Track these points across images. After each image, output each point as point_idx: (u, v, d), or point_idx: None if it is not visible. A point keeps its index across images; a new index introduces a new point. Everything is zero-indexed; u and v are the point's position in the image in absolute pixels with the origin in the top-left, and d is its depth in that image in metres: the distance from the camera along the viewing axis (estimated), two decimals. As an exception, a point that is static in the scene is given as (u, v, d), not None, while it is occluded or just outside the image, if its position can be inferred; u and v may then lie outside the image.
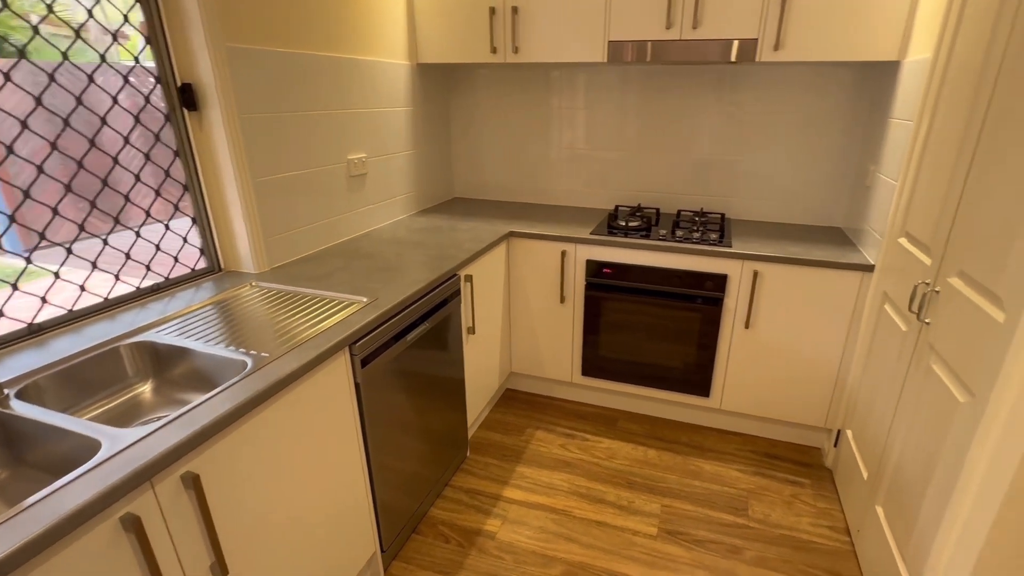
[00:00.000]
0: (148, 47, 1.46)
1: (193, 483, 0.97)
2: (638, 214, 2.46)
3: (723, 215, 2.44)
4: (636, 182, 2.64)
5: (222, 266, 1.77)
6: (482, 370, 2.26)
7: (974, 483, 1.19)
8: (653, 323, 2.26)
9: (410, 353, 1.65)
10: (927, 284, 1.50)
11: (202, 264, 1.73)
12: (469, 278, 1.99)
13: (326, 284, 1.66)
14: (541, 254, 2.31)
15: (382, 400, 1.54)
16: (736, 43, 2.00)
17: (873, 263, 1.91)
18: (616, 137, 2.60)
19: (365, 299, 1.55)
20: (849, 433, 2.01)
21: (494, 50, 2.28)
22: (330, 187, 2.01)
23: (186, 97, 1.51)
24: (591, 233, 2.26)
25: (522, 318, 2.46)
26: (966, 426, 1.24)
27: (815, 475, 2.16)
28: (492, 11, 2.23)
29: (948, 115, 1.49)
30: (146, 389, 1.33)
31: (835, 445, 2.15)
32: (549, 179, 2.78)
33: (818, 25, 1.91)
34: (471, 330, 2.05)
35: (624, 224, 2.32)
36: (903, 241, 1.70)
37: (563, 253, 2.26)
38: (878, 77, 2.15)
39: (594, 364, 2.43)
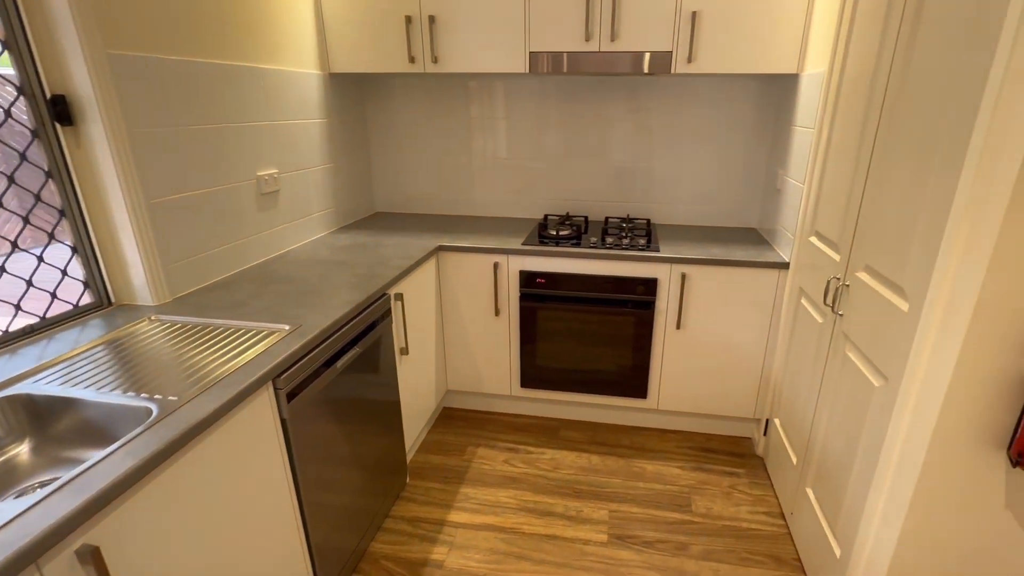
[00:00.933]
0: (6, 52, 1.25)
1: (92, 557, 0.82)
2: (567, 222, 2.48)
3: (648, 220, 2.52)
4: (563, 190, 2.66)
5: (113, 299, 1.56)
6: (418, 391, 2.17)
7: (893, 460, 1.28)
8: (589, 330, 2.27)
9: (340, 381, 1.54)
10: (838, 279, 1.60)
11: (88, 299, 1.51)
12: (400, 297, 1.89)
13: (241, 313, 1.51)
14: (473, 267, 2.26)
15: (312, 434, 1.41)
16: (652, 55, 2.07)
17: (788, 261, 2.03)
18: (540, 146, 2.61)
19: (287, 327, 1.42)
20: (777, 421, 2.12)
21: (412, 59, 2.21)
22: (239, 206, 1.85)
23: (59, 111, 1.31)
24: (523, 243, 2.24)
25: (457, 334, 2.39)
26: (882, 408, 1.33)
27: (749, 464, 2.25)
28: (408, 20, 2.16)
29: (845, 123, 1.61)
30: (22, 451, 1.13)
31: (764, 434, 2.26)
32: (474, 189, 2.74)
33: (726, 41, 2.02)
34: (404, 351, 1.95)
35: (555, 233, 2.32)
36: (814, 240, 1.82)
37: (496, 265, 2.22)
38: (781, 88, 2.30)
39: (532, 375, 2.40)
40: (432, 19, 2.15)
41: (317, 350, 1.40)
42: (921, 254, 1.19)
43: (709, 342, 2.21)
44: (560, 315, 2.27)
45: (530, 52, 2.14)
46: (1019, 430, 1.10)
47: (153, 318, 1.48)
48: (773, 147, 2.36)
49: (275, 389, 1.26)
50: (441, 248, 2.24)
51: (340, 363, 1.52)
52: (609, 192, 2.62)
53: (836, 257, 1.63)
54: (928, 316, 1.16)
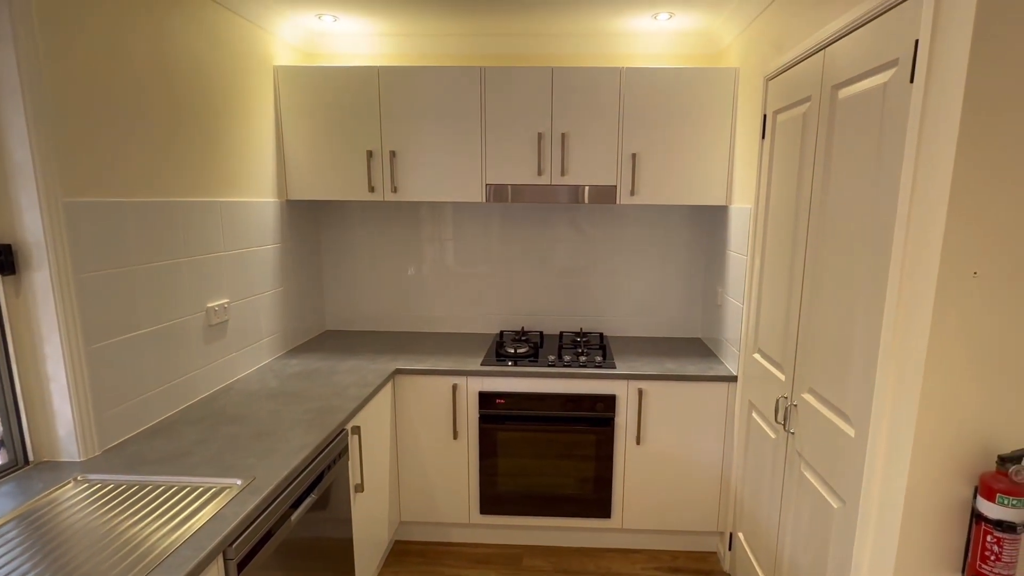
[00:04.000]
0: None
1: None
2: (523, 339, 2.52)
3: (601, 334, 2.61)
4: (517, 306, 2.73)
5: (30, 457, 1.39)
6: (371, 527, 2.01)
7: (865, 586, 1.30)
8: (550, 449, 2.24)
9: (293, 533, 1.40)
10: (786, 398, 1.70)
11: None
12: (357, 430, 1.81)
13: (185, 466, 1.38)
14: (431, 390, 2.21)
15: (262, 608, 1.25)
16: (599, 189, 2.26)
17: (735, 374, 2.14)
18: (493, 263, 2.70)
19: (239, 481, 1.30)
20: (741, 536, 2.12)
21: (372, 189, 2.29)
22: (184, 340, 1.75)
23: (2, 261, 1.24)
24: (482, 363, 2.24)
25: (412, 461, 2.28)
26: (844, 530, 1.37)
27: (718, 585, 2.20)
28: (370, 154, 2.27)
29: (775, 253, 1.80)
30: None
31: (729, 548, 2.23)
32: (428, 307, 2.76)
33: (663, 178, 2.25)
34: (359, 487, 1.83)
35: (512, 351, 2.34)
36: (758, 357, 1.95)
37: (454, 387, 2.19)
38: (714, 216, 2.56)
39: (492, 500, 2.30)
40: (393, 154, 2.27)
41: (273, 505, 1.29)
42: (859, 384, 1.30)
43: (668, 456, 2.23)
44: (521, 435, 2.23)
45: (487, 184, 2.29)
46: (968, 556, 1.16)
47: (80, 478, 1.32)
48: (710, 267, 2.57)
49: (225, 560, 1.14)
50: (399, 371, 2.20)
51: (295, 516, 1.40)
52: (562, 306, 2.71)
53: (781, 377, 1.74)
54: (874, 444, 1.24)
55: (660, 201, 2.27)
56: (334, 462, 1.63)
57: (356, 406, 1.79)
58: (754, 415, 1.98)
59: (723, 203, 2.27)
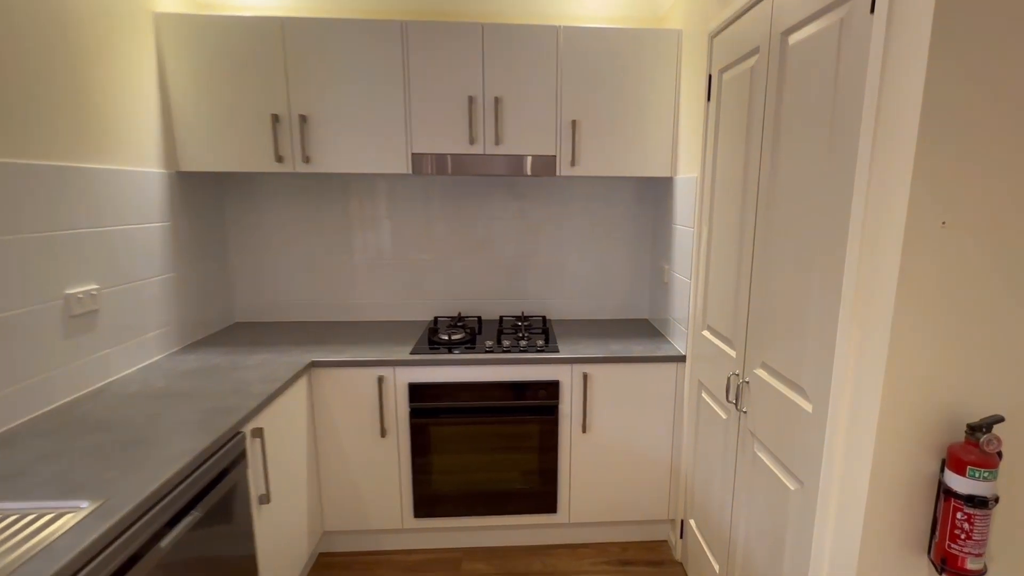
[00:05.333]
0: None
1: None
2: (459, 324, 2.31)
3: (544, 317, 2.44)
4: (453, 291, 2.51)
5: None
6: (284, 542, 1.75)
7: (824, 568, 1.18)
8: (490, 443, 2.05)
9: (170, 559, 1.14)
10: (737, 375, 1.58)
11: None
12: (259, 432, 1.55)
13: (16, 489, 1.09)
14: (354, 383, 1.97)
15: (118, 662, 0.99)
16: (537, 159, 2.08)
17: (684, 353, 2.02)
18: (427, 245, 2.47)
19: (86, 504, 1.03)
20: (692, 523, 2.01)
21: (280, 159, 2.01)
22: (34, 334, 1.43)
23: None
24: (411, 352, 2.02)
25: (334, 464, 2.03)
26: (803, 513, 1.25)
27: (668, 572, 2.08)
28: (276, 119, 1.99)
29: (723, 224, 1.68)
30: None
31: (680, 536, 2.12)
32: (356, 293, 2.50)
33: (605, 147, 2.10)
34: (264, 498, 1.57)
35: (447, 338, 2.13)
36: (707, 334, 1.83)
37: (380, 379, 1.96)
38: (659, 188, 2.43)
39: (428, 502, 2.08)
40: (303, 119, 2.00)
41: (134, 529, 1.03)
42: (817, 355, 1.18)
43: (616, 443, 2.09)
44: (457, 429, 2.03)
45: (412, 153, 2.06)
46: (935, 534, 1.06)
47: None
48: (656, 243, 2.45)
49: (53, 609, 0.87)
50: (315, 364, 1.94)
51: (169, 539, 1.14)
52: (502, 290, 2.52)
53: (732, 353, 1.62)
54: (835, 418, 1.12)
55: (602, 172, 2.12)
56: (227, 470, 1.37)
57: (258, 404, 1.53)
58: (704, 396, 1.86)
59: (668, 174, 2.15)
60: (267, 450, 1.60)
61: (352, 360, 1.94)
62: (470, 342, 2.13)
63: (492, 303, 2.53)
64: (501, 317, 2.43)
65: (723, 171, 1.68)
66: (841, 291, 1.09)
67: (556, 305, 2.55)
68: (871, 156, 1.01)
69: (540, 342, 2.10)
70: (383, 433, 1.99)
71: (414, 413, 2.00)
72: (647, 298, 2.57)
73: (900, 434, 1.03)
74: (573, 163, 2.09)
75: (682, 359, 2.02)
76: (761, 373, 1.45)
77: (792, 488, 1.30)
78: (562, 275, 2.53)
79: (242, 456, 1.45)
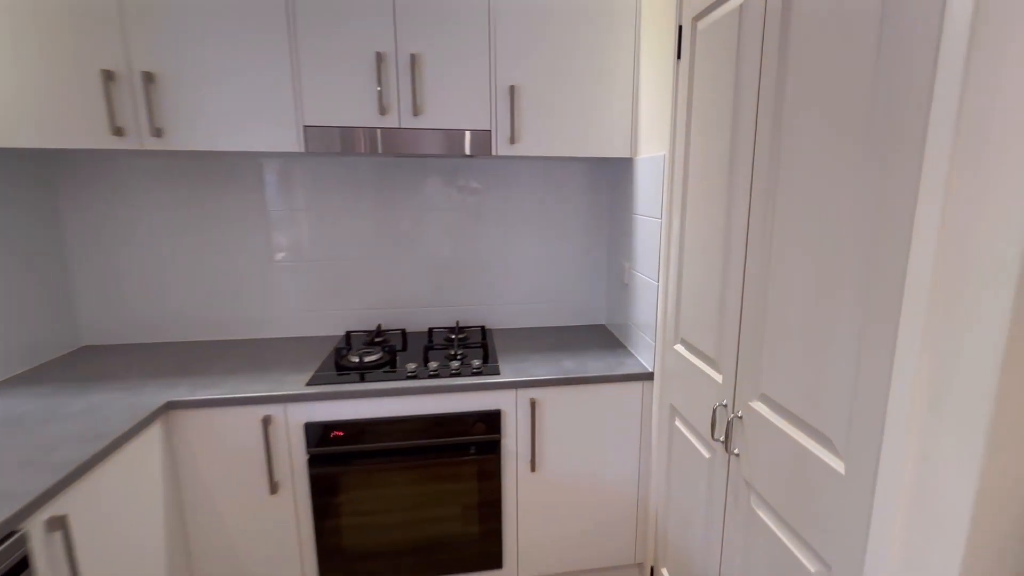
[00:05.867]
0: None
1: None
2: (378, 341, 1.87)
3: (483, 328, 2.02)
4: (372, 298, 2.06)
5: None
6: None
7: None
8: (417, 490, 1.63)
9: None
10: (725, 407, 1.23)
11: None
12: (60, 522, 1.06)
13: None
14: (229, 427, 1.49)
15: None
16: (468, 135, 1.66)
17: (650, 370, 1.67)
18: (338, 243, 2.01)
19: None
20: (665, 572, 1.67)
21: (119, 131, 1.49)
22: None
23: None
24: (309, 383, 1.56)
25: (211, 537, 1.55)
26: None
27: (638, 637, 1.74)
28: (110, 76, 1.47)
29: (702, 216, 1.32)
30: None
31: (649, 587, 1.78)
32: (246, 304, 2.00)
33: (551, 121, 1.70)
34: (84, 611, 1.09)
35: (358, 360, 1.68)
36: (681, 349, 1.47)
37: (267, 420, 1.49)
38: (615, 172, 2.07)
39: (338, 569, 1.64)
40: (149, 77, 1.49)
41: None
42: (853, 393, 0.84)
43: (572, 481, 1.71)
44: (373, 477, 1.59)
45: (304, 126, 1.59)
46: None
47: None
48: (614, 237, 2.09)
49: None
50: (172, 405, 1.44)
51: None
52: (432, 295, 2.09)
53: (717, 377, 1.27)
54: (888, 490, 0.78)
55: (549, 152, 1.73)
56: (-13, 599, 0.88)
57: (58, 482, 1.04)
58: (678, 424, 1.52)
59: (627, 154, 1.78)
60: (77, 546, 1.11)
61: (225, 398, 1.46)
62: (389, 364, 1.69)
63: (420, 311, 2.10)
64: (431, 329, 2.00)
65: (701, 148, 1.32)
66: (903, 292, 0.74)
67: (498, 312, 2.15)
68: (955, 130, 0.66)
69: (477, 362, 1.69)
70: (273, 489, 1.53)
71: (314, 460, 1.55)
72: (604, 301, 2.20)
73: (998, 527, 0.69)
74: (513, 139, 1.68)
75: (649, 377, 1.67)
76: (760, 408, 1.10)
77: (813, 571, 0.95)
78: (505, 276, 2.13)
79: (22, 566, 0.96)
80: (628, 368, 1.69)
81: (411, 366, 1.63)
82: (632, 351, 1.85)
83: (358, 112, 1.61)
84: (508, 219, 2.08)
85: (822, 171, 0.89)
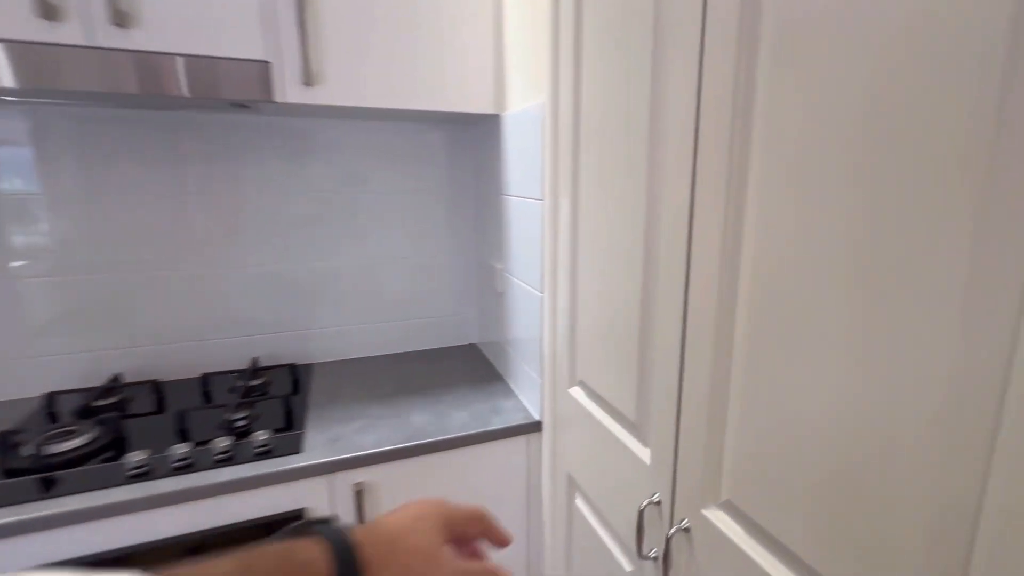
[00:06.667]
0: None
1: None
2: (102, 406, 1.15)
3: (293, 366, 1.38)
4: (117, 331, 1.31)
5: None
6: None
7: None
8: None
9: None
10: (658, 505, 0.75)
11: None
12: None
13: None
14: None
15: None
16: (217, 65, 1.01)
17: (537, 417, 1.17)
18: (59, 247, 1.24)
19: None
20: None
21: None
22: None
23: None
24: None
25: None
26: None
27: None
28: None
29: (606, 190, 0.83)
30: None
31: None
32: None
33: (374, 56, 1.11)
34: None
35: (35, 453, 0.96)
36: (580, 396, 0.98)
37: None
38: (480, 138, 1.52)
39: None
40: None
41: None
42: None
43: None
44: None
45: None
46: None
47: None
48: (480, 228, 1.56)
49: None
50: None
51: None
52: (215, 319, 1.39)
53: (642, 454, 0.79)
54: None
55: (373, 101, 1.14)
56: None
57: None
58: (580, 504, 1.03)
59: (490, 108, 1.25)
60: None
61: None
62: (109, 451, 1.00)
63: (193, 348, 1.39)
64: (205, 376, 1.29)
65: (600, 93, 0.82)
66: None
67: (325, 339, 1.51)
68: None
69: (263, 435, 1.05)
70: None
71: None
72: (474, 313, 1.67)
73: None
74: (308, 78, 1.06)
75: (536, 428, 1.17)
76: (725, 524, 0.63)
77: None
78: (335, 287, 1.49)
79: None
80: (506, 416, 1.17)
81: (137, 456, 0.95)
82: (512, 386, 1.33)
83: (8, 17, 0.89)
84: (335, 203, 1.45)
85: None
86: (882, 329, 0.43)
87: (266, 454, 1.01)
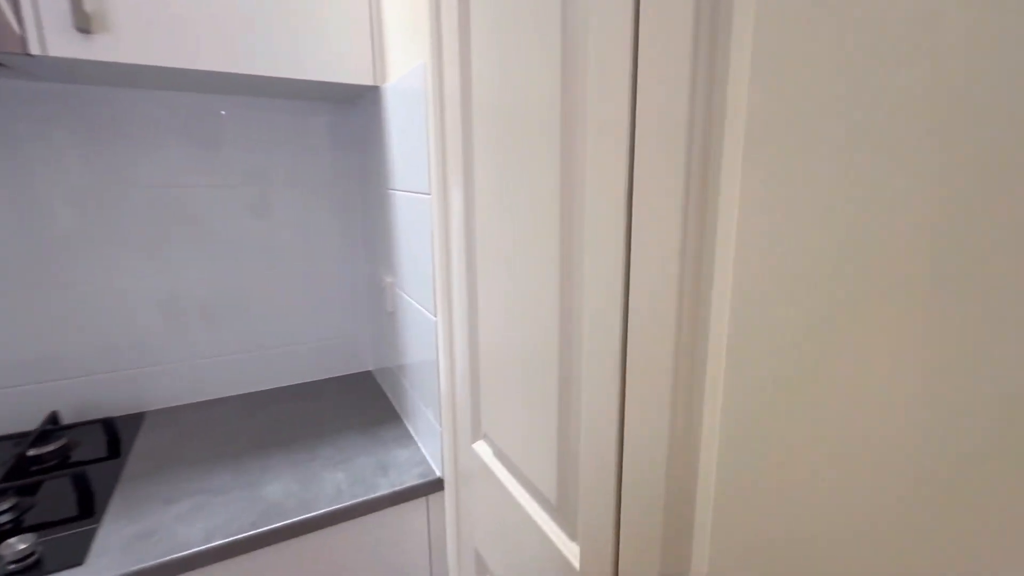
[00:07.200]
0: None
1: None
2: None
3: (109, 420, 1.02)
4: None
5: None
6: None
7: None
8: None
9: None
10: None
11: None
12: None
13: None
14: None
15: None
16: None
17: (439, 474, 0.91)
18: None
19: None
20: None
21: None
22: None
23: None
24: None
25: None
26: None
27: None
28: None
29: (500, 177, 0.59)
30: None
31: None
32: None
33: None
34: None
35: None
36: (486, 455, 0.73)
37: None
38: (363, 117, 1.24)
39: None
40: None
41: None
42: None
43: None
44: None
45: None
46: None
47: None
48: (367, 232, 1.27)
49: None
50: None
51: None
52: (14, 357, 1.02)
53: (567, 551, 0.55)
54: None
55: (179, 59, 0.83)
56: None
57: None
58: (491, 595, 0.78)
59: (368, 79, 0.98)
60: None
61: None
62: None
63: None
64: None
65: (494, 50, 0.58)
66: None
67: (158, 376, 1.16)
68: None
69: (30, 540, 0.72)
70: None
71: None
72: (368, 334, 1.38)
73: None
74: (85, 25, 0.75)
75: (439, 486, 0.91)
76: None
77: None
78: (187, 309, 1.15)
79: None
80: (399, 473, 0.91)
81: None
82: (410, 428, 1.06)
83: None
84: (186, 206, 1.11)
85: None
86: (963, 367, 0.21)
87: (23, 572, 0.67)
